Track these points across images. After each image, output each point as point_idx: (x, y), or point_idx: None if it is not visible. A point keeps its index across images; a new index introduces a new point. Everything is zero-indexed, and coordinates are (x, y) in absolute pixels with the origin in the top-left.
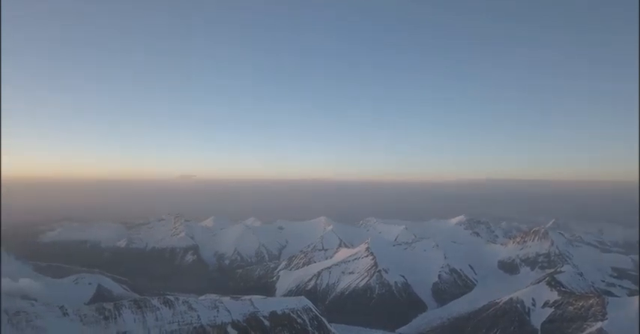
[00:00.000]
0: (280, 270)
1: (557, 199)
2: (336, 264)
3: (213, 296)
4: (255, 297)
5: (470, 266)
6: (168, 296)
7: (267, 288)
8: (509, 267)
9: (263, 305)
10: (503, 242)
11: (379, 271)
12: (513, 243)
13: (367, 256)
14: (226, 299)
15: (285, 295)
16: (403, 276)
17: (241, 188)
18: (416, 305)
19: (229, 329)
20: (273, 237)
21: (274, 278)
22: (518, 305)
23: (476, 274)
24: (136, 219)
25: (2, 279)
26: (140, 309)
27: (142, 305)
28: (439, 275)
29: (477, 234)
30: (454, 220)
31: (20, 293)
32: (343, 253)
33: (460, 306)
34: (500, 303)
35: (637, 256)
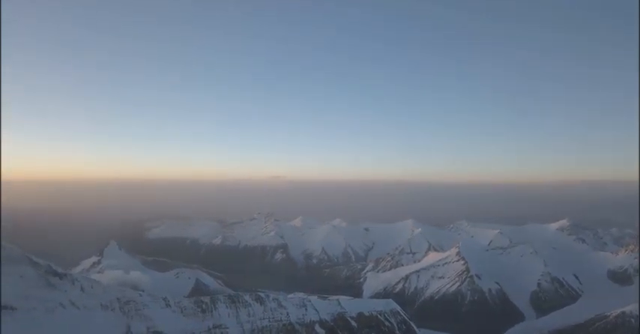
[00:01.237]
0: (367, 272)
1: None
2: (425, 268)
3: (302, 295)
4: (343, 298)
5: (574, 275)
6: (260, 293)
7: (353, 289)
8: (620, 278)
9: (350, 305)
10: (613, 250)
11: (471, 276)
12: (626, 251)
13: (458, 261)
14: (314, 298)
15: (372, 297)
16: (498, 283)
17: (328, 188)
18: (511, 315)
19: (317, 327)
20: (359, 238)
21: (361, 280)
22: (632, 320)
23: (581, 284)
24: (230, 218)
25: (116, 271)
26: (234, 304)
27: (235, 301)
28: (538, 284)
29: (583, 241)
30: (555, 225)
31: (130, 284)
32: (432, 257)
33: (562, 318)
34: (611, 317)
35: None
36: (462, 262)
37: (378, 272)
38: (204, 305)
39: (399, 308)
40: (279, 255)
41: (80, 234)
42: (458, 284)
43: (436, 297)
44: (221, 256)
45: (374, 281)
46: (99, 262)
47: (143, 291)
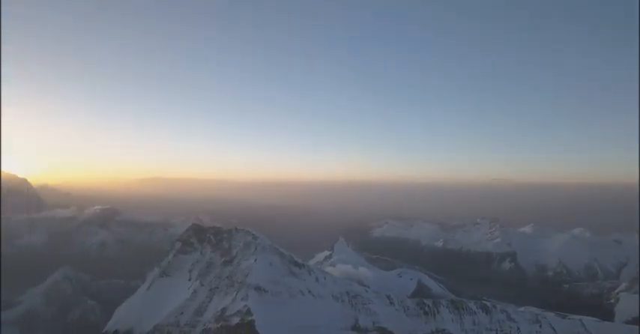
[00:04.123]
0: (620, 292)
1: None
2: None
3: (535, 310)
4: (587, 319)
5: None
6: (485, 302)
7: (601, 310)
8: None
9: (597, 329)
10: None
11: None
12: None
13: None
14: (550, 314)
15: (628, 322)
16: None
17: (562, 193)
18: None
19: None
20: (608, 251)
21: (612, 301)
22: None
23: None
24: (452, 221)
25: (346, 266)
26: (457, 310)
27: (459, 307)
28: None
29: None
30: None
31: (357, 279)
32: None
33: None
34: None
35: None
36: None
37: (635, 293)
38: (426, 308)
39: None
40: (506, 264)
41: (315, 229)
42: None
43: None
44: (443, 259)
45: (629, 303)
46: (330, 256)
47: (369, 287)
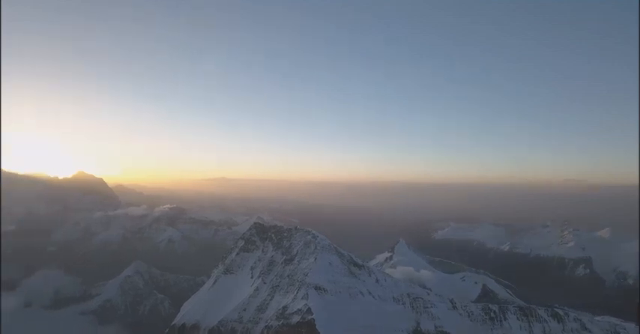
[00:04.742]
0: None
1: None
2: None
3: (613, 320)
4: None
5: None
6: (557, 309)
7: None
8: None
9: None
10: None
11: None
12: None
13: None
14: (630, 325)
15: None
16: None
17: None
18: None
19: None
20: None
21: None
22: None
23: None
24: (519, 223)
25: (407, 268)
26: (526, 317)
27: (527, 313)
28: None
29: None
30: None
31: (418, 281)
32: None
33: None
34: None
35: None
36: None
37: None
38: (492, 313)
39: None
40: (580, 270)
41: (373, 230)
42: None
43: None
44: (509, 263)
45: None
46: (390, 258)
47: (430, 290)
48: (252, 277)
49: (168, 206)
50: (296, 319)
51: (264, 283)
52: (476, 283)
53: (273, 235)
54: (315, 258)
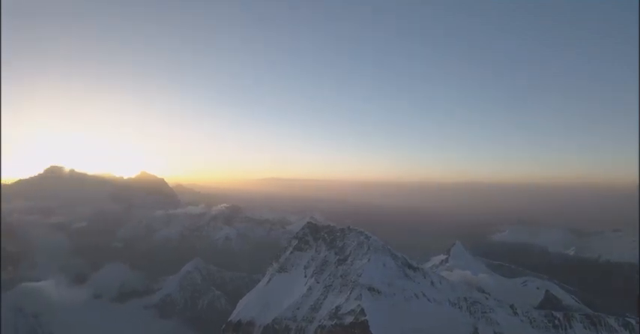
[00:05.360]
0: None
1: None
2: None
3: None
4: None
5: None
6: (629, 319)
7: None
8: None
9: None
10: None
11: None
12: None
13: None
14: None
15: None
16: None
17: None
18: None
19: None
20: None
21: None
22: None
23: None
24: (587, 227)
25: (464, 271)
26: (594, 326)
27: (595, 322)
28: None
29: None
30: None
31: (476, 285)
32: None
33: None
34: None
35: None
36: None
37: None
38: (556, 321)
39: None
40: None
41: (427, 232)
42: None
43: None
44: (575, 269)
45: None
46: (446, 260)
47: (489, 294)
48: (305, 276)
49: (225, 205)
50: (349, 319)
51: (318, 283)
52: (538, 288)
53: (325, 235)
54: (369, 259)
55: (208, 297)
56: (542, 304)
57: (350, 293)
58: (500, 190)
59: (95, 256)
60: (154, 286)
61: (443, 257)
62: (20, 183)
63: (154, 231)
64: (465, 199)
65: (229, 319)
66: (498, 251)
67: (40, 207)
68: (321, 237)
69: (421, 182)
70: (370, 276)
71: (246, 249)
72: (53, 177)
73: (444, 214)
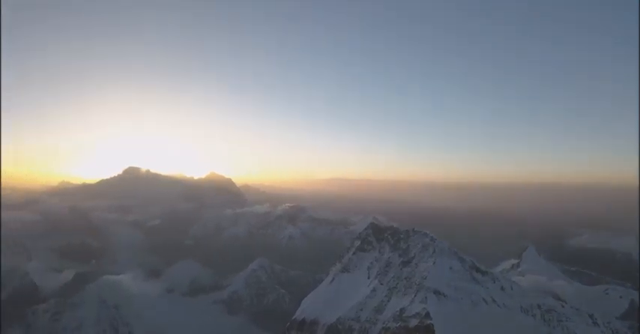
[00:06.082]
0: None
1: None
2: None
3: None
4: None
5: None
6: None
7: None
8: None
9: None
10: None
11: None
12: None
13: None
14: None
15: None
16: None
17: None
18: None
19: None
20: None
21: None
22: None
23: None
24: None
25: (538, 277)
26: None
27: None
28: None
29: None
30: None
31: (551, 292)
32: None
33: None
34: None
35: None
36: None
37: None
38: None
39: None
40: None
41: (495, 235)
42: None
43: None
44: None
45: None
46: (518, 265)
47: (565, 302)
48: (368, 277)
49: (289, 204)
50: (414, 322)
51: (381, 284)
52: (621, 297)
53: (389, 236)
54: (434, 262)
55: (273, 295)
56: (625, 314)
57: (415, 296)
58: (572, 191)
59: (168, 253)
60: (222, 282)
61: (514, 261)
62: (102, 183)
63: (223, 229)
64: (536, 201)
65: (294, 317)
66: (575, 257)
67: (119, 205)
68: (384, 238)
69: (489, 183)
70: (436, 279)
71: (308, 248)
72: (131, 178)
73: (511, 217)
